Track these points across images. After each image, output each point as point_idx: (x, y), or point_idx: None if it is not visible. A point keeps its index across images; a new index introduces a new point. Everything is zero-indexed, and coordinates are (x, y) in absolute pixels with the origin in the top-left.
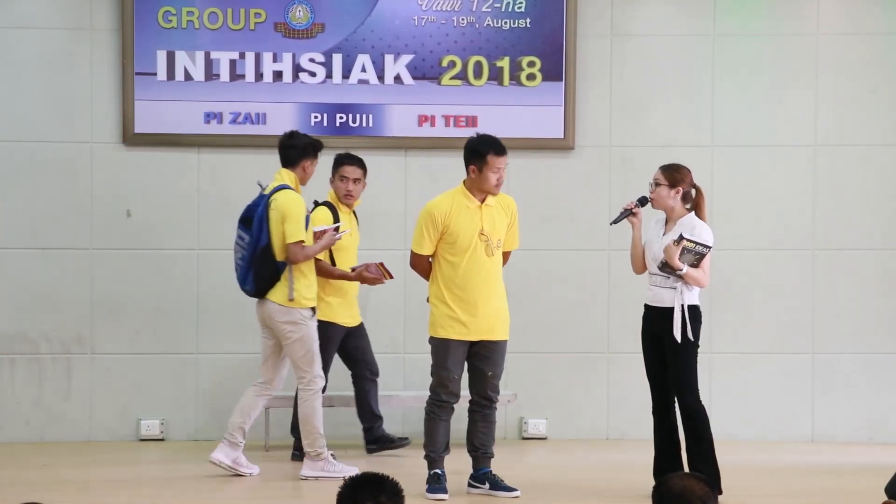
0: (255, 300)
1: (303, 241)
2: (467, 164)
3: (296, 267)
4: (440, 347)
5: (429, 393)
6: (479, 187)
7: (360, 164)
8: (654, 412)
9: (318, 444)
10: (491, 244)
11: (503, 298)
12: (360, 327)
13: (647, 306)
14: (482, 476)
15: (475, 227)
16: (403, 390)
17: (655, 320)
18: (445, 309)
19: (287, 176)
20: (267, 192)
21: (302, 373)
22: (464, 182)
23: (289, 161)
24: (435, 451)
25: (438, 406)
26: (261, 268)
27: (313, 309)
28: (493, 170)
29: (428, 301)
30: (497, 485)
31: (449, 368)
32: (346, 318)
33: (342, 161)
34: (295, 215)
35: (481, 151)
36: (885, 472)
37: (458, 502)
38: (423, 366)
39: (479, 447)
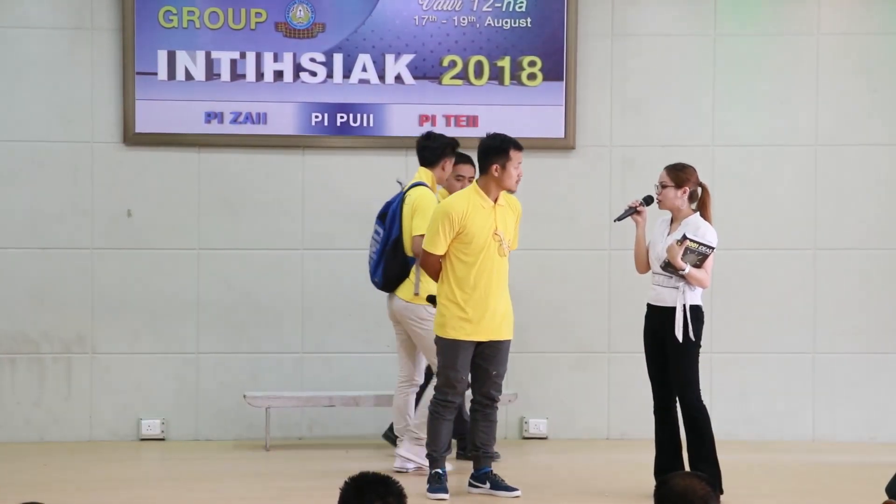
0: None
1: None
2: (489, 163)
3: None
4: (450, 348)
5: (432, 392)
6: (499, 185)
7: (472, 162)
8: (656, 412)
9: (402, 428)
10: (504, 244)
11: (509, 298)
12: None
13: (649, 305)
14: (483, 476)
15: (490, 227)
16: None
17: (657, 320)
18: (456, 310)
19: (425, 174)
20: (405, 189)
21: (433, 363)
22: (477, 181)
23: (427, 161)
24: (437, 451)
25: (444, 406)
26: (390, 261)
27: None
28: (515, 165)
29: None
30: (498, 484)
31: (458, 369)
32: None
33: (458, 160)
34: (424, 210)
35: (504, 148)
36: (885, 471)
37: (459, 502)
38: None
39: (480, 447)
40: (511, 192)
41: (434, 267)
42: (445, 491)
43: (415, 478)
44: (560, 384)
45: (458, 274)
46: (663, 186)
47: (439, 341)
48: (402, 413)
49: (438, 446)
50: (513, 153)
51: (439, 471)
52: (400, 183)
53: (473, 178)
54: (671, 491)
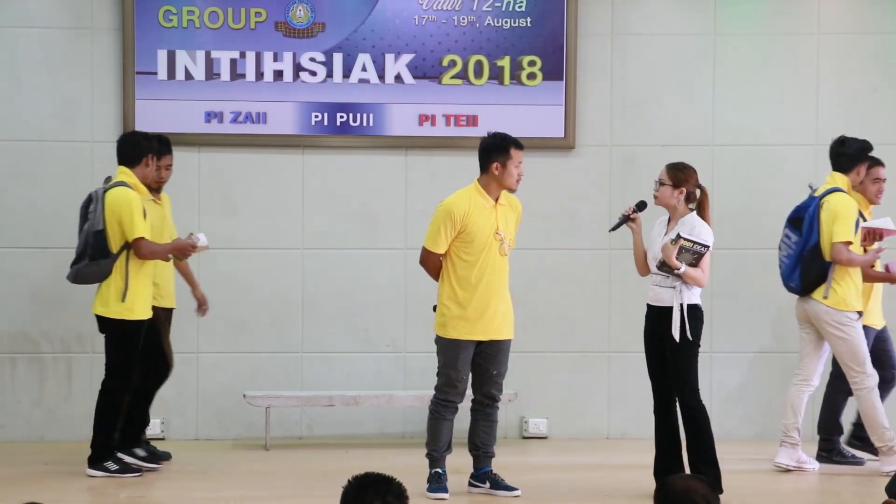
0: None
1: (850, 243)
2: (489, 162)
3: (841, 269)
4: (450, 348)
5: (432, 392)
6: (500, 184)
7: (883, 164)
8: (656, 411)
9: (887, 437)
10: (504, 244)
11: (510, 297)
12: (885, 330)
13: (648, 306)
14: (483, 475)
15: (491, 227)
16: (403, 390)
17: (657, 319)
18: (457, 309)
19: (841, 180)
20: (818, 193)
21: (851, 372)
22: (478, 181)
23: (842, 167)
24: (437, 451)
25: (444, 406)
26: (808, 266)
27: (860, 312)
28: (516, 164)
29: (435, 310)
30: (498, 484)
31: (459, 369)
32: (875, 319)
33: (871, 163)
34: (845, 216)
35: (504, 146)
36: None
37: (459, 501)
38: (424, 366)
39: (481, 446)
40: (512, 191)
41: (433, 265)
42: (445, 491)
43: (414, 477)
44: (560, 383)
45: (459, 273)
46: (661, 184)
47: (440, 341)
48: (796, 411)
49: (439, 446)
50: (513, 152)
51: (439, 470)
52: (811, 187)
53: (883, 179)
54: (672, 492)
